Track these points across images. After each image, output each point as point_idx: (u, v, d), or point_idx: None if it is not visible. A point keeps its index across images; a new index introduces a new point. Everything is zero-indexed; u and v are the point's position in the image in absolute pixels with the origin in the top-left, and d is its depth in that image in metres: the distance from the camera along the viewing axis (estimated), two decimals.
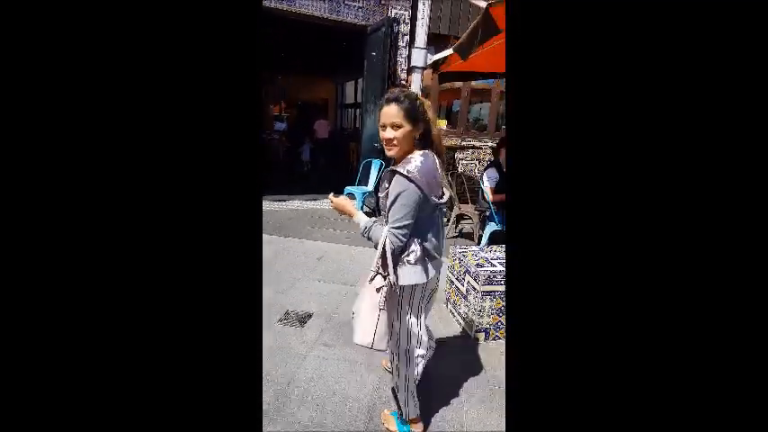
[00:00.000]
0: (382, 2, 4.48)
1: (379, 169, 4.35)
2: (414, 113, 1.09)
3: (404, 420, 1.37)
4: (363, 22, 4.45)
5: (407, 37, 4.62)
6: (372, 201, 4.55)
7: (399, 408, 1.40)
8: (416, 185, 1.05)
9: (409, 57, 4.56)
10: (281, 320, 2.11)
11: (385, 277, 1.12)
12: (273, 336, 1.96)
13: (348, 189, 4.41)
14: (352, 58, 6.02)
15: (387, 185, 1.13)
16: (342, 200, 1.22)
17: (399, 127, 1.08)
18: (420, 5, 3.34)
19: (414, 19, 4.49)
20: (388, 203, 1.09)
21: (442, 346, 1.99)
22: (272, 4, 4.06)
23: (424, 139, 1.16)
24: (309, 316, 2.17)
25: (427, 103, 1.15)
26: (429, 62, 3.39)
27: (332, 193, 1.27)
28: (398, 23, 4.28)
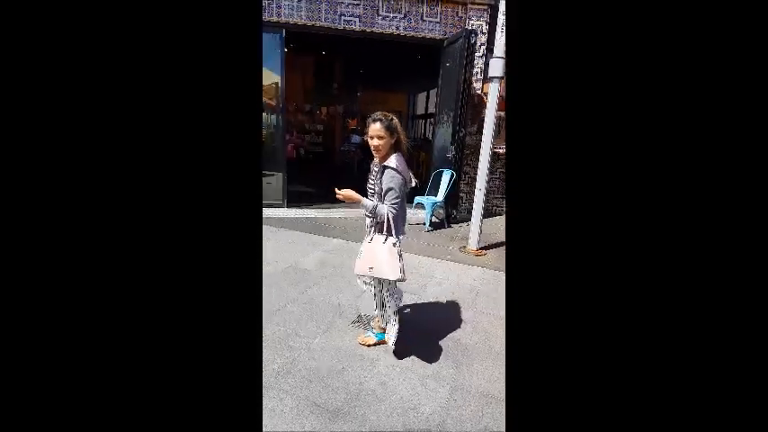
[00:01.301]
0: (459, 14, 4.49)
1: (450, 179, 4.31)
2: (390, 128, 1.63)
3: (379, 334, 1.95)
4: (440, 36, 4.51)
5: (484, 47, 4.55)
6: (442, 212, 4.52)
7: (383, 329, 1.97)
8: (401, 175, 1.63)
9: (486, 66, 4.48)
10: (353, 323, 2.20)
11: (386, 238, 1.65)
12: (347, 338, 2.06)
13: (418, 199, 4.45)
14: (426, 70, 6.11)
15: (380, 177, 1.65)
16: (348, 191, 1.66)
17: (382, 138, 1.62)
18: (500, 15, 3.28)
19: (492, 29, 4.41)
20: (384, 188, 1.64)
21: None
22: (356, 27, 4.33)
23: (396, 145, 1.68)
24: None
25: (397, 120, 1.69)
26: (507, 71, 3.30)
27: (336, 188, 1.67)
28: (476, 35, 4.23)
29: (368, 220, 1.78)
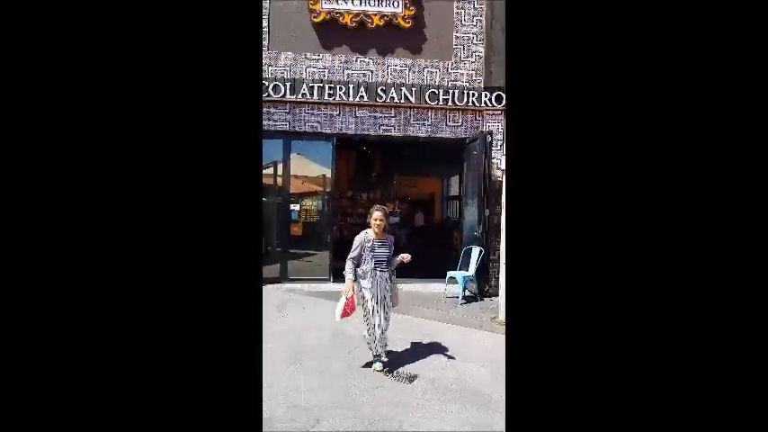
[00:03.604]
0: (477, 118, 5.44)
1: (479, 255, 4.76)
2: (386, 214, 2.80)
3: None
4: (462, 135, 5.42)
5: (500, 142, 5.37)
6: (474, 286, 4.88)
7: (376, 354, 2.76)
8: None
9: (503, 157, 5.21)
10: (393, 376, 2.58)
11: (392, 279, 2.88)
12: (387, 387, 2.42)
13: (450, 273, 4.88)
14: (454, 160, 7.00)
15: (390, 246, 2.82)
16: (407, 256, 2.84)
17: (383, 221, 2.74)
18: None
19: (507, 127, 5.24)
20: (392, 250, 2.82)
21: None
22: (393, 133, 5.39)
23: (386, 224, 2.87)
24: (415, 377, 2.58)
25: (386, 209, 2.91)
26: None
27: (403, 255, 2.83)
28: (492, 135, 5.09)
29: (378, 272, 2.74)
